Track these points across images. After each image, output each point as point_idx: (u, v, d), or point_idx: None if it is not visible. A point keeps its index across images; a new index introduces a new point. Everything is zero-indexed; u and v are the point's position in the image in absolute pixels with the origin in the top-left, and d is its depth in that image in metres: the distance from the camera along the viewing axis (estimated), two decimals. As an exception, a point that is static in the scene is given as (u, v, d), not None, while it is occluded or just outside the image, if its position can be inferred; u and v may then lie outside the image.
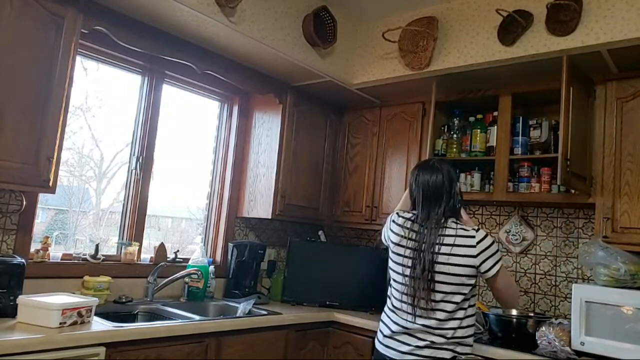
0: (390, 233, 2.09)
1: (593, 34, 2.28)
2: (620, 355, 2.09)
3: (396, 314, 2.02)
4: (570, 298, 2.38)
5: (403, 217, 2.08)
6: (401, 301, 2.00)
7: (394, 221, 2.10)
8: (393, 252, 2.07)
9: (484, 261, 1.93)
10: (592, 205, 2.47)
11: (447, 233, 1.96)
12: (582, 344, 2.18)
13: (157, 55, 2.57)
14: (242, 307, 2.71)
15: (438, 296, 1.92)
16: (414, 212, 2.07)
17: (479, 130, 2.87)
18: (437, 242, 1.94)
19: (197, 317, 2.36)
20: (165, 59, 2.62)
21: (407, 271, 1.97)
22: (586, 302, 2.22)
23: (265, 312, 2.69)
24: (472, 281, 1.94)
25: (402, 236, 2.03)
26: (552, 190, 2.58)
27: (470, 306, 1.97)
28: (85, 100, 2.68)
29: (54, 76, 2.06)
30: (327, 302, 3.07)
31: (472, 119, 2.95)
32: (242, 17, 2.49)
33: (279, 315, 2.66)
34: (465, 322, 1.94)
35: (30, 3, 1.99)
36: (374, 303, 3.01)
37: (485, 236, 1.96)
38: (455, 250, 1.93)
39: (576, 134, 2.31)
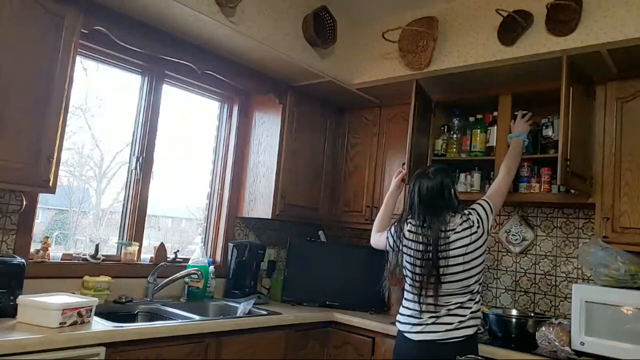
0: (406, 241, 2.22)
1: (593, 34, 2.28)
2: (620, 355, 2.09)
3: (424, 312, 2.15)
4: (570, 298, 2.38)
5: (415, 225, 2.20)
6: (420, 294, 2.13)
7: (409, 230, 2.22)
8: (410, 256, 2.19)
9: (488, 227, 2.16)
10: (592, 205, 2.47)
11: (463, 235, 2.10)
12: (582, 344, 2.18)
13: (157, 55, 2.57)
14: (242, 307, 2.71)
15: (469, 281, 2.08)
16: (417, 219, 2.19)
17: (479, 130, 2.87)
18: (448, 242, 2.09)
19: (197, 317, 2.36)
20: (165, 59, 2.62)
21: (420, 270, 2.13)
22: (586, 302, 2.22)
23: (265, 312, 2.69)
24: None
25: (416, 242, 2.16)
26: (552, 190, 2.58)
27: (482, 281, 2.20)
28: (85, 100, 2.68)
29: (54, 76, 2.06)
30: (327, 302, 3.07)
31: (472, 119, 2.95)
32: (242, 17, 2.49)
33: (279, 315, 2.66)
34: (480, 297, 2.16)
35: (30, 3, 1.98)
36: (374, 303, 3.02)
37: (475, 219, 2.14)
38: (474, 240, 2.10)
39: (576, 134, 2.31)
